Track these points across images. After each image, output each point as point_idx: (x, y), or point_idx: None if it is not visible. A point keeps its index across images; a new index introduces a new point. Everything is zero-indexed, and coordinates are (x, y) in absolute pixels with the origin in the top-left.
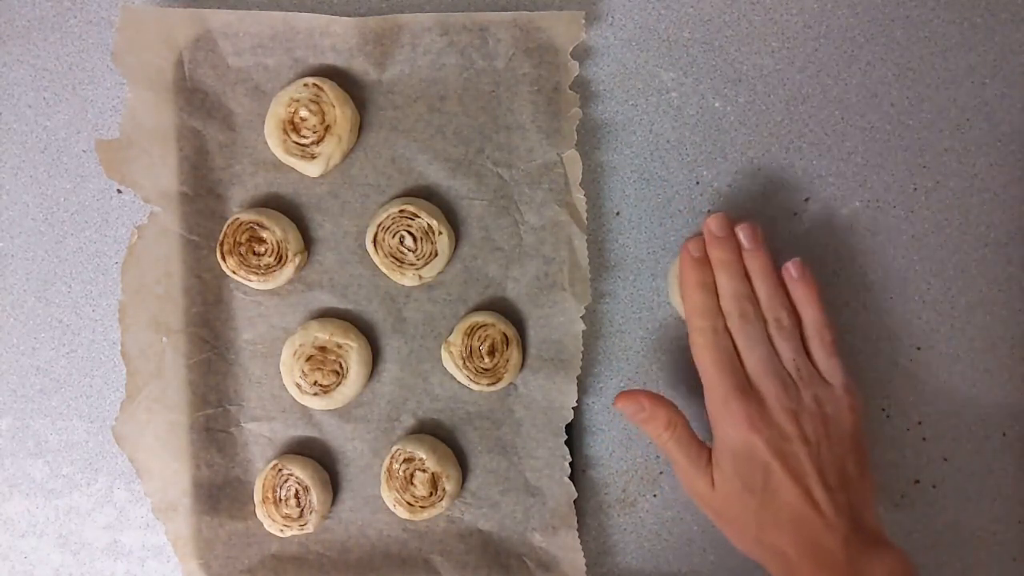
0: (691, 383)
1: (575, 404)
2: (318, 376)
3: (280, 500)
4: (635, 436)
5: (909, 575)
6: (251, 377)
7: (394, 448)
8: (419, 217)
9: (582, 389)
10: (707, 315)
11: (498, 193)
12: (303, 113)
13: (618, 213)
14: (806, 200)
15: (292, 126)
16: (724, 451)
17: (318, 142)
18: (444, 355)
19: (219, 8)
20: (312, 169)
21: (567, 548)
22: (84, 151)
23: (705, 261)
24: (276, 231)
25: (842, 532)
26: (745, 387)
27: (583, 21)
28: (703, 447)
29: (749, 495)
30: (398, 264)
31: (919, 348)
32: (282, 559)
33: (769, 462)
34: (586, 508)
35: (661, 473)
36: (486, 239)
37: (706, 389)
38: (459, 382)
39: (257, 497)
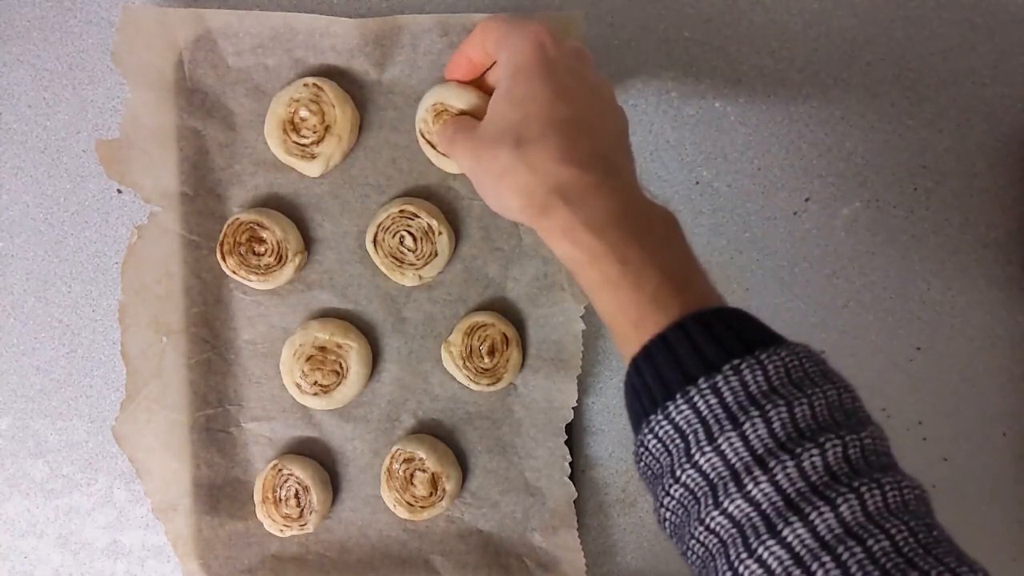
0: None
1: (575, 404)
2: (318, 376)
3: (280, 500)
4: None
5: (676, 223)
6: (251, 377)
7: (394, 448)
8: (419, 217)
9: (582, 389)
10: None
11: None
12: (303, 113)
13: None
14: (806, 200)
15: (292, 126)
16: (506, 69)
17: (318, 142)
18: (444, 355)
19: (219, 8)
20: (312, 169)
21: (567, 548)
22: (84, 151)
23: None
24: (276, 231)
25: (609, 148)
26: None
27: (583, 21)
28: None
29: (519, 104)
30: (398, 264)
31: (919, 348)
32: (282, 559)
33: (555, 62)
34: (586, 508)
35: None
36: (486, 239)
37: (492, 35)
38: (459, 382)
39: (257, 497)
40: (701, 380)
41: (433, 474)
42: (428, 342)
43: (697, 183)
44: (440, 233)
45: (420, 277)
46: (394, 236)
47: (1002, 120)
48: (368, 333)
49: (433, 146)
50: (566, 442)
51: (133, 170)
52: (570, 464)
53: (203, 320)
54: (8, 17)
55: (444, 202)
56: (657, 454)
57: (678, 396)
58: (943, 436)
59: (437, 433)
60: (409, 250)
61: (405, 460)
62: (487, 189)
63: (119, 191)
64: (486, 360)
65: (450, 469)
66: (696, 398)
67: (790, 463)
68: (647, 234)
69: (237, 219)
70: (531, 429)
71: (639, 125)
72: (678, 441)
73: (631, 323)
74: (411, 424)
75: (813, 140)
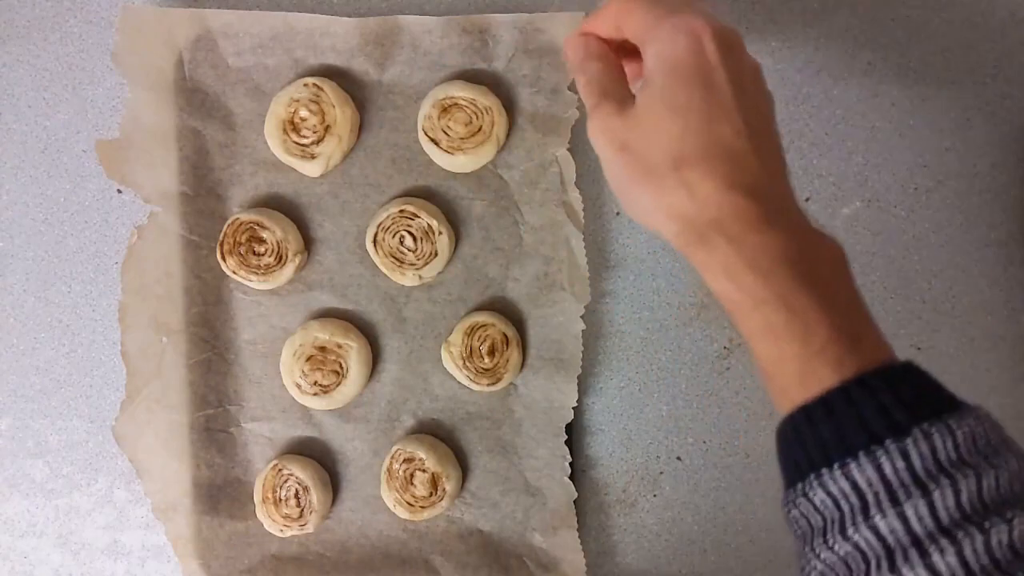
0: (691, 381)
1: (575, 404)
2: (318, 376)
3: (280, 500)
4: (635, 436)
5: (844, 260)
6: (251, 377)
7: (394, 448)
8: (419, 217)
9: (582, 389)
10: None
11: (498, 193)
12: (303, 113)
13: (618, 213)
14: (806, 200)
15: (292, 126)
16: (658, 65)
17: (318, 142)
18: (444, 355)
19: (219, 8)
20: (312, 169)
21: (567, 548)
22: (84, 151)
23: None
24: (276, 231)
25: (772, 173)
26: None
27: (583, 21)
28: (628, 91)
29: (677, 114)
30: (398, 264)
31: (919, 348)
32: (282, 559)
33: (715, 71)
34: (586, 508)
35: (661, 473)
36: (486, 239)
37: (632, 18)
38: (459, 382)
39: (257, 497)
40: (888, 441)
41: (433, 474)
42: (428, 342)
43: None
44: (440, 233)
45: (420, 277)
46: (394, 236)
47: (1003, 120)
48: (368, 333)
49: (436, 143)
50: (566, 442)
51: (133, 170)
52: (570, 464)
53: (203, 320)
54: (8, 17)
55: (444, 202)
56: (822, 508)
57: (861, 454)
58: None
59: (437, 433)
60: (409, 250)
61: (405, 460)
62: (631, 198)
63: (119, 191)
64: (486, 360)
65: (450, 469)
66: (882, 459)
67: (979, 537)
68: (815, 277)
69: (237, 219)
70: (531, 429)
71: None
72: (853, 499)
73: (795, 376)
74: (411, 424)
75: (813, 139)
